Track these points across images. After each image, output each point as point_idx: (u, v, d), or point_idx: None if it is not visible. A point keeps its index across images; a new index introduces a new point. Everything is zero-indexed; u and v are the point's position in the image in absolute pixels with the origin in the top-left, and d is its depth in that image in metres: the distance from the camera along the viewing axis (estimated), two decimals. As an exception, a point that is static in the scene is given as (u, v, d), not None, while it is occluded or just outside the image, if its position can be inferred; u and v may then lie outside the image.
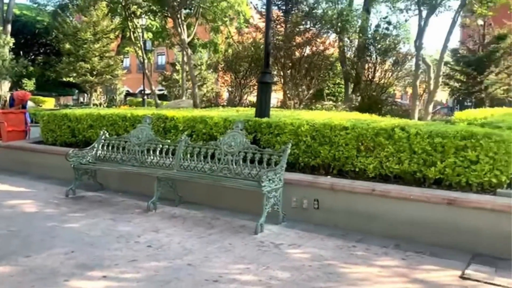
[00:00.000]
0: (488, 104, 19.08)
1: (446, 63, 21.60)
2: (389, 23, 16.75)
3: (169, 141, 6.71)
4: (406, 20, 16.13)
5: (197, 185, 6.05)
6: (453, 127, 5.23)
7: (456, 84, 22.77)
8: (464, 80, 21.96)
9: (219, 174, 5.69)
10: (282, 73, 15.63)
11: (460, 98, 25.42)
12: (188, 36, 15.03)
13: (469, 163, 4.78)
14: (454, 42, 26.90)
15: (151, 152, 6.54)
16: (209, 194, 6.12)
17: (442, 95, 32.87)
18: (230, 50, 20.43)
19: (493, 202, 4.31)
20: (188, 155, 6.15)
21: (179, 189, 6.20)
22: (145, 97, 27.46)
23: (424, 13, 10.91)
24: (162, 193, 5.99)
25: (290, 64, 15.17)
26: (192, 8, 15.32)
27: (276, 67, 15.34)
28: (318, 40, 16.59)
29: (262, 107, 6.88)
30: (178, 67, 29.08)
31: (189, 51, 13.14)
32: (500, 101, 20.85)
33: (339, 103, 18.50)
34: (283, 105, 15.20)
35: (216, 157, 5.82)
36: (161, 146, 6.47)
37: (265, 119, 6.47)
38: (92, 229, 5.00)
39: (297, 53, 15.48)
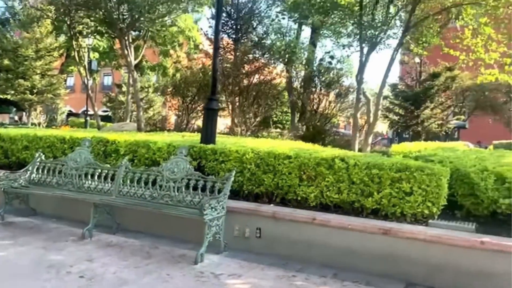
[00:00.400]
0: (424, 137, 20.22)
1: (386, 97, 22.79)
2: (332, 57, 17.55)
3: (108, 165, 6.49)
4: (348, 56, 16.96)
5: (136, 212, 5.85)
6: (389, 160, 5.47)
7: (395, 117, 23.98)
8: (403, 113, 23.18)
9: (160, 201, 5.55)
10: (230, 100, 15.77)
11: (399, 130, 26.73)
12: (136, 59, 14.85)
13: (404, 195, 5.01)
14: (394, 78, 28.46)
15: (89, 176, 6.28)
16: (149, 222, 5.94)
17: (383, 127, 34.49)
18: (178, 75, 20.36)
19: (425, 233, 4.51)
20: (128, 181, 5.96)
21: (118, 216, 5.97)
22: (88, 118, 26.53)
23: (365, 50, 11.49)
24: (99, 220, 5.74)
25: (238, 92, 15.35)
26: (141, 31, 15.21)
27: (224, 94, 15.46)
28: (266, 69, 16.99)
29: (208, 133, 6.86)
30: (124, 88, 28.51)
31: (135, 73, 12.94)
32: (435, 134, 22.17)
33: (286, 131, 18.88)
34: (231, 131, 15.27)
35: (158, 183, 5.68)
36: (100, 170, 6.23)
37: (210, 146, 6.45)
38: (20, 258, 4.68)
39: (245, 81, 15.72)
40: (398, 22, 12.20)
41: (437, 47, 13.36)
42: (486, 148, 13.95)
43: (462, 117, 27.39)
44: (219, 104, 15.40)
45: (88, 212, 5.70)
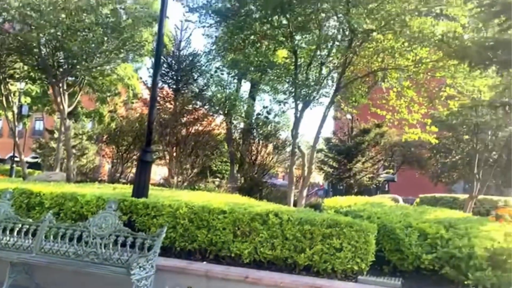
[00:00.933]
0: (356, 189, 21.02)
1: (320, 150, 23.64)
2: (269, 112, 18.16)
3: (31, 220, 6.05)
4: (283, 112, 17.62)
5: (59, 271, 5.44)
6: (321, 215, 5.61)
7: (330, 170, 24.79)
8: (336, 166, 24.05)
9: (85, 259, 5.21)
10: (167, 150, 15.60)
11: (334, 182, 27.60)
12: (70, 105, 14.39)
13: (334, 251, 5.11)
14: (329, 132, 29.73)
15: (8, 232, 5.80)
16: (72, 281, 5.52)
17: (320, 177, 35.44)
18: (113, 124, 19.94)
19: (354, 290, 4.60)
20: (52, 237, 5.57)
21: (38, 276, 5.52)
22: (14, 165, 24.89)
23: (300, 106, 12.02)
24: (16, 280, 5.27)
25: (175, 142, 15.26)
26: (77, 78, 14.87)
27: (162, 144, 15.30)
28: (206, 120, 17.15)
29: (140, 186, 6.67)
30: (56, 134, 27.27)
31: (68, 121, 12.49)
32: (366, 187, 23.11)
33: (225, 181, 18.87)
34: (167, 182, 14.97)
35: (84, 239, 5.36)
36: (20, 225, 5.78)
37: (142, 200, 6.26)
38: None
39: (183, 131, 15.69)
40: (330, 82, 12.96)
41: (367, 105, 14.27)
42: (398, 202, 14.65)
43: (391, 170, 28.90)
44: (156, 153, 15.23)
45: (5, 272, 5.23)
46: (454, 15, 10.38)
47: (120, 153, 16.75)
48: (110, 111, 24.74)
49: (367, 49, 11.67)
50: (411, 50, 10.84)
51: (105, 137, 18.09)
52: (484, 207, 14.70)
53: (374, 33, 10.42)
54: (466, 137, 16.10)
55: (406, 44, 10.72)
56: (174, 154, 15.32)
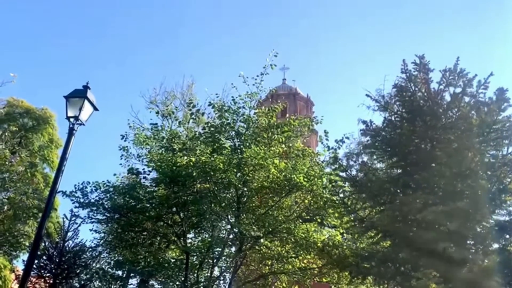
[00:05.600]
0: None
1: None
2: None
3: None
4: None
5: None
6: None
7: None
8: None
9: None
10: None
11: None
12: None
13: None
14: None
15: None
16: None
17: None
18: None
19: None
20: None
21: None
22: None
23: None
24: None
25: None
26: None
27: None
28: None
29: None
30: None
31: None
32: None
33: None
34: None
35: None
36: None
37: None
38: None
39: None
40: (222, 284, 12.67)
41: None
42: None
43: None
44: None
45: None
46: (333, 224, 11.42)
47: None
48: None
49: (257, 252, 11.93)
50: (297, 257, 11.31)
51: None
52: None
53: (262, 240, 10.84)
54: None
55: (291, 251, 11.23)
56: None
